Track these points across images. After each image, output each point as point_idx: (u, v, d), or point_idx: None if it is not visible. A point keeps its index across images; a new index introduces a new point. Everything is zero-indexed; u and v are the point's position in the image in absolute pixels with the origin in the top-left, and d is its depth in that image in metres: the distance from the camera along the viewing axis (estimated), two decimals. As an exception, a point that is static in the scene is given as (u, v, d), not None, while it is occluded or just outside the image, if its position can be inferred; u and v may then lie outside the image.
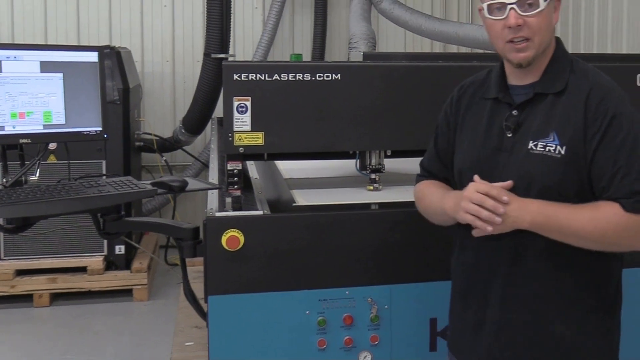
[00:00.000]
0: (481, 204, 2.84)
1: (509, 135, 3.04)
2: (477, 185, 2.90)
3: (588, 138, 2.91)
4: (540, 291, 3.02)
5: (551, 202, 2.90)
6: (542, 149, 2.96)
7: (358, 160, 4.56)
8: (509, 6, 2.89)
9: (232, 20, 8.99)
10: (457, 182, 3.24)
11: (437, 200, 3.23)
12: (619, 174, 2.85)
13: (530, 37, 2.92)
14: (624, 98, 2.99)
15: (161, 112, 9.90)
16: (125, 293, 8.14)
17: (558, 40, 3.14)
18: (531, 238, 2.94)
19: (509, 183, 2.89)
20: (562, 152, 2.92)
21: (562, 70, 3.07)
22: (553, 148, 2.93)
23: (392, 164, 4.72)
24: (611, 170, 2.86)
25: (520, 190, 2.94)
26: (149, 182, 4.28)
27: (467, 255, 3.19)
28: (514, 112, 3.05)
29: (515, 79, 3.12)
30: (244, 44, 10.03)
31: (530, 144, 2.99)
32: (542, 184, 2.94)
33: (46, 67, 4.06)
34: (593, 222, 2.84)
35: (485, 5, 2.99)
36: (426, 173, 3.46)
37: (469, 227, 3.00)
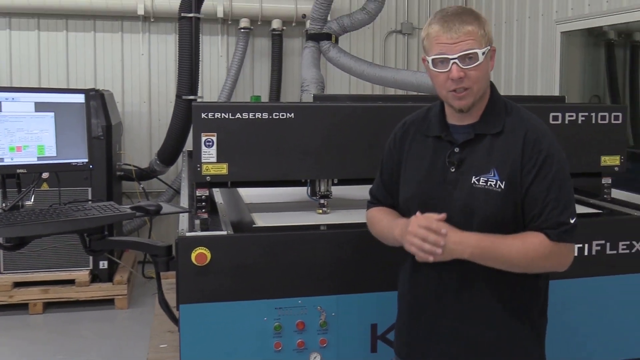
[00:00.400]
0: (424, 238, 2.86)
1: (452, 170, 3.08)
2: (419, 220, 2.90)
3: (524, 173, 2.99)
4: (485, 305, 3.10)
5: (487, 235, 2.94)
6: (484, 184, 3.01)
7: (309, 188, 4.61)
8: (452, 61, 2.92)
9: (200, 66, 9.05)
10: (403, 209, 3.25)
11: (387, 227, 3.24)
12: (549, 207, 2.95)
13: (470, 87, 2.96)
14: (554, 139, 3.08)
15: (139, 146, 9.85)
16: (108, 302, 8.19)
17: (492, 85, 3.18)
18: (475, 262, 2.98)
19: (443, 216, 2.90)
20: (502, 186, 2.99)
21: (498, 113, 3.11)
22: (494, 183, 3.00)
23: (339, 191, 4.76)
24: (542, 203, 2.96)
25: (464, 218, 2.99)
26: (128, 206, 4.30)
27: (419, 274, 3.20)
28: (456, 150, 3.10)
29: (455, 119, 3.15)
30: (211, 87, 10.07)
31: (473, 179, 3.04)
32: (484, 214, 3.00)
33: (40, 107, 4.08)
34: (522, 252, 2.93)
35: (430, 59, 3.00)
36: (375, 200, 3.47)
37: None
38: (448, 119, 3.20)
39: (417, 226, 2.91)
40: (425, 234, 2.88)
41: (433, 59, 3.00)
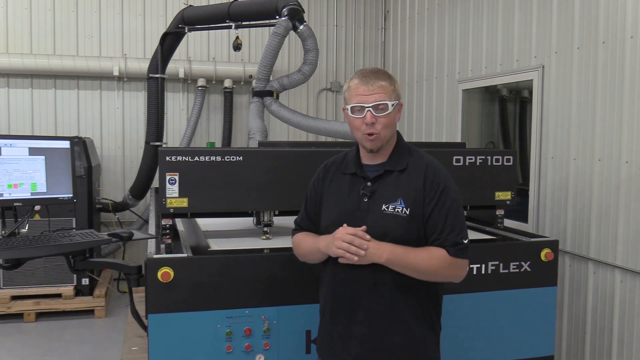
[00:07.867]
0: (351, 242, 2.93)
1: (365, 200, 3.11)
2: (347, 229, 2.97)
3: (426, 203, 3.05)
4: (393, 311, 3.10)
5: (400, 245, 2.99)
6: (393, 210, 3.05)
7: (255, 218, 4.63)
8: (367, 109, 3.00)
9: (165, 118, 9.15)
10: (324, 233, 3.22)
11: (311, 243, 3.26)
12: (447, 229, 3.02)
13: (379, 132, 3.03)
14: (448, 174, 3.16)
15: (115, 183, 9.84)
16: (89, 312, 8.29)
17: (398, 133, 3.24)
18: (384, 272, 3.02)
19: (364, 227, 2.98)
20: (407, 212, 3.03)
21: (403, 154, 3.18)
22: (400, 210, 3.04)
23: (279, 220, 4.78)
24: (441, 227, 3.02)
25: (376, 238, 3.00)
26: (106, 233, 4.28)
27: (335, 285, 3.19)
28: (369, 184, 3.13)
29: (368, 159, 3.20)
30: (174, 134, 10.09)
31: (383, 207, 3.06)
32: (394, 235, 3.02)
33: (33, 151, 4.09)
34: (428, 261, 2.98)
35: (349, 107, 3.07)
36: (299, 227, 3.48)
37: (336, 264, 3.08)
38: (362, 160, 3.25)
39: (345, 233, 2.97)
40: (351, 238, 2.95)
41: (352, 107, 3.08)
